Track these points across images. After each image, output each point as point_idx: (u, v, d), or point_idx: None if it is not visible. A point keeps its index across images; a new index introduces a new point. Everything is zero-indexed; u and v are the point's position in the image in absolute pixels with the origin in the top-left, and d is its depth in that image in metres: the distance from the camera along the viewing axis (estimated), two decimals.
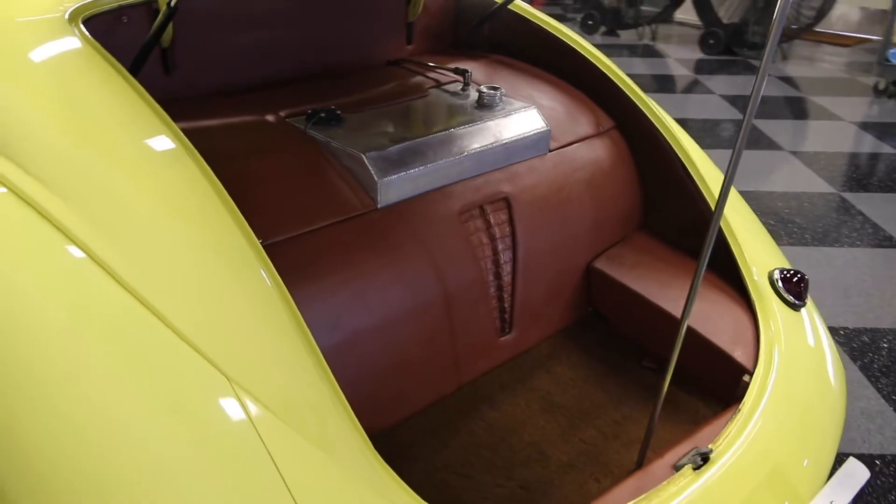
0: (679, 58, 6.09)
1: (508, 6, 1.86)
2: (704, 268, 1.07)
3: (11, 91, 1.16)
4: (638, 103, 1.68)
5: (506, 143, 1.49)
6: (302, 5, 1.69)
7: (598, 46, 1.98)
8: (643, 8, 6.50)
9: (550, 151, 1.60)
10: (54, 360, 0.95)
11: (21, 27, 1.26)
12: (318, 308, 1.19)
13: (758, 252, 1.60)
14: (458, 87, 1.66)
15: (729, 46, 6.10)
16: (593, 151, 1.68)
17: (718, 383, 1.46)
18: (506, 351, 1.52)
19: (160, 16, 1.22)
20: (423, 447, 1.33)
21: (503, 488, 1.28)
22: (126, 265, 0.99)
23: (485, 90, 1.58)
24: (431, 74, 1.76)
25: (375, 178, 1.29)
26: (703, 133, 4.30)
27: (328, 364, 1.12)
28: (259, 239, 1.14)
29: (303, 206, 1.25)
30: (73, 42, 1.20)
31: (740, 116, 4.56)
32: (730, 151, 3.72)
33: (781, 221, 3.19)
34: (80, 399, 0.93)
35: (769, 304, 1.50)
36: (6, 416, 0.96)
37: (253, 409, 0.93)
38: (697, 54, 6.20)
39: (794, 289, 1.54)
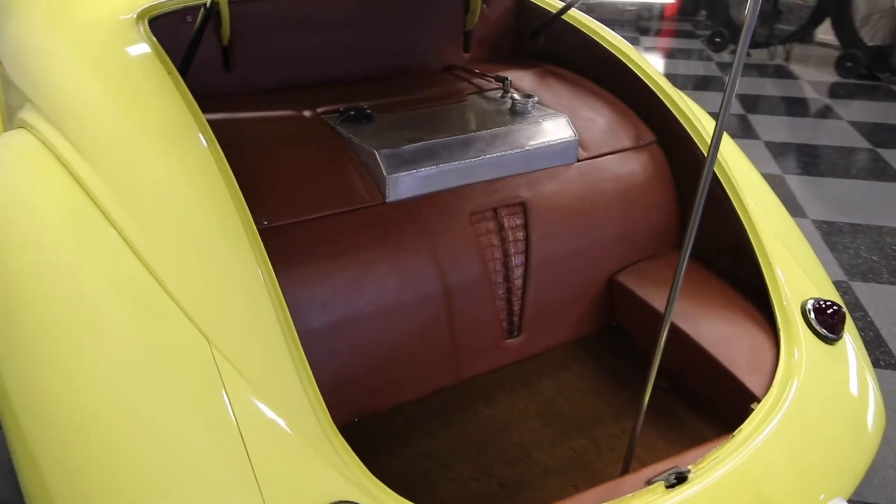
0: (812, 80, 5.75)
1: (564, 17, 1.88)
2: (686, 258, 1.06)
3: (72, 74, 1.33)
4: (681, 119, 1.66)
5: (527, 149, 1.52)
6: (362, 11, 1.80)
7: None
8: (778, 26, 6.19)
9: (579, 161, 1.61)
10: (66, 304, 1.09)
11: (95, 23, 1.44)
12: (315, 288, 1.28)
13: (798, 280, 1.53)
14: (497, 94, 1.71)
15: (871, 70, 5.68)
16: (627, 164, 1.66)
17: (728, 408, 1.42)
18: (512, 353, 1.54)
19: (199, 17, 1.36)
20: (411, 433, 1.39)
21: (480, 483, 1.31)
22: (137, 231, 1.12)
23: (517, 98, 1.62)
24: (476, 81, 1.81)
25: (385, 174, 1.37)
26: (829, 161, 4.06)
27: (319, 341, 1.21)
28: (266, 221, 1.25)
29: (315, 194, 1.35)
30: (132, 38, 1.37)
31: (869, 146, 4.26)
32: (846, 181, 3.49)
33: (885, 258, 2.96)
34: (82, 338, 1.06)
35: (795, 334, 1.43)
36: (30, 346, 1.10)
37: (225, 370, 1.03)
38: (833, 77, 5.82)
39: (827, 321, 1.46)
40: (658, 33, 7.74)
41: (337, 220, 1.33)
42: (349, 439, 1.36)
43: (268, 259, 1.10)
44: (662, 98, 1.69)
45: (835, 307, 1.48)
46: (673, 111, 1.67)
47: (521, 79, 1.82)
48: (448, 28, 1.94)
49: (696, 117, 1.69)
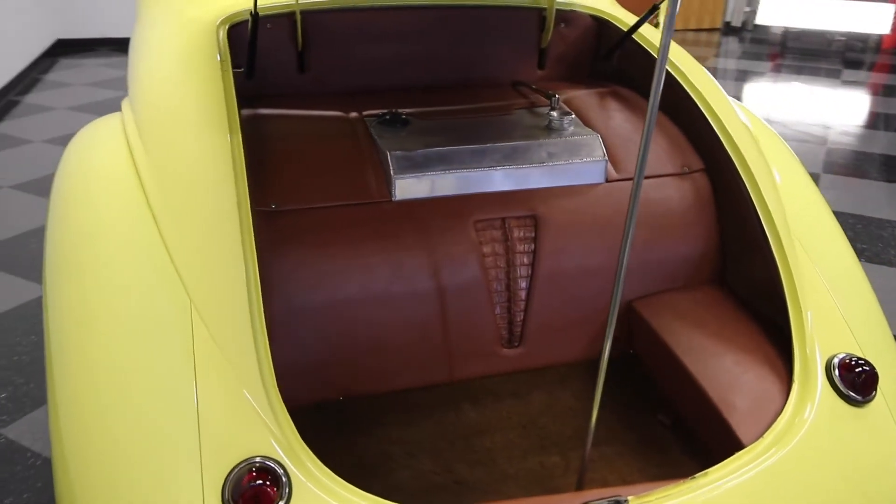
0: None
1: (636, 38, 1.86)
2: (626, 257, 1.06)
3: (150, 67, 1.58)
4: (729, 150, 1.58)
5: (546, 165, 1.54)
6: (436, 25, 1.91)
7: None
8: None
9: (608, 182, 1.60)
10: (93, 253, 1.30)
11: (185, 25, 1.68)
12: (311, 269, 1.41)
13: (835, 331, 1.41)
14: (544, 110, 1.74)
15: None
16: (664, 190, 1.62)
17: (716, 452, 1.35)
18: (511, 362, 1.56)
19: (250, 24, 1.54)
20: (388, 419, 1.47)
21: (438, 476, 1.36)
22: (160, 201, 1.32)
23: (554, 115, 1.64)
24: (533, 97, 1.85)
25: (392, 175, 1.47)
26: None
27: (310, 318, 1.35)
28: (274, 204, 1.41)
29: (328, 186, 1.47)
30: (206, 40, 1.58)
31: None
32: None
33: None
34: (98, 277, 1.26)
35: (811, 388, 1.33)
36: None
37: (198, 327, 1.18)
38: None
39: (852, 379, 1.34)
40: (871, 67, 7.08)
41: (342, 211, 1.45)
42: (329, 414, 1.48)
43: (253, 240, 1.24)
44: (714, 125, 1.63)
45: (864, 367, 1.34)
46: (722, 139, 1.60)
47: (579, 98, 1.83)
48: (523, 45, 1.99)
49: (752, 149, 1.61)
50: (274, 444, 1.11)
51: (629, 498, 1.13)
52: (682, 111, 1.73)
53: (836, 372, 1.33)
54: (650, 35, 1.88)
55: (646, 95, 1.87)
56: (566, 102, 1.82)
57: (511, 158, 1.54)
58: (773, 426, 1.27)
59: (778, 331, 1.46)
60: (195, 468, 1.07)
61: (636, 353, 1.62)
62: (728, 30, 8.61)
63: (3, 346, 2.44)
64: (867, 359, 1.36)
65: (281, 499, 1.05)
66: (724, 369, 1.41)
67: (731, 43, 8.08)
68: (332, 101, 1.80)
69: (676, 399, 1.48)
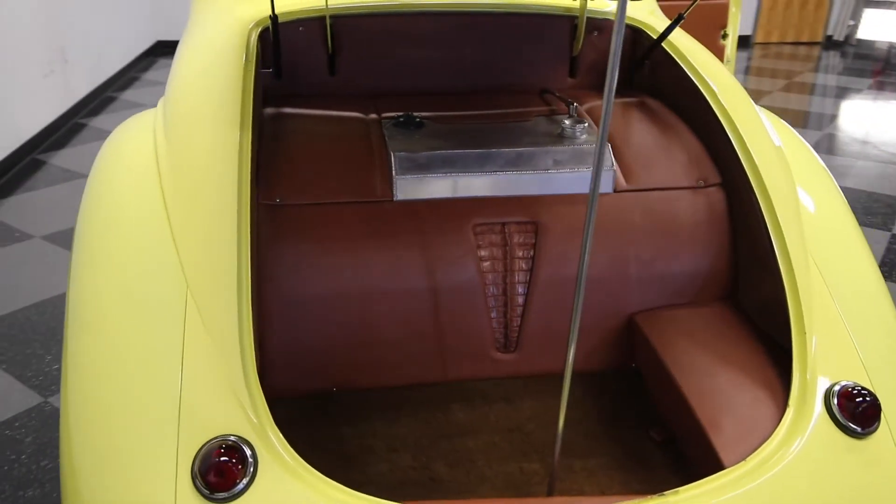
0: None
1: (666, 48, 1.83)
2: (585, 267, 1.06)
3: (183, 64, 1.67)
4: (745, 165, 1.53)
5: (548, 172, 1.54)
6: (466, 31, 1.93)
7: None
8: None
9: (617, 192, 1.58)
10: (108, 229, 1.39)
11: (222, 26, 1.78)
12: (309, 262, 1.46)
13: (841, 357, 1.35)
14: (562, 118, 1.73)
15: None
16: (677, 204, 1.59)
17: (702, 472, 1.31)
18: (505, 367, 1.57)
19: (271, 27, 1.62)
20: (375, 413, 1.50)
21: (415, 472, 1.39)
22: (172, 190, 1.40)
23: (567, 122, 1.63)
24: (555, 105, 1.84)
25: (394, 175, 1.50)
26: None
27: (306, 309, 1.40)
28: (279, 199, 1.47)
29: (333, 183, 1.52)
30: (238, 41, 1.67)
31: None
32: None
33: None
34: (109, 246, 1.35)
35: (806, 415, 1.28)
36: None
37: (191, 310, 1.26)
38: None
39: (852, 409, 1.28)
40: None
41: (344, 208, 1.50)
42: (321, 404, 1.53)
43: (250, 231, 1.31)
44: (733, 139, 1.58)
45: (868, 397, 1.28)
46: (739, 154, 1.55)
47: (601, 108, 1.81)
48: (554, 53, 1.99)
49: (771, 165, 1.55)
50: (247, 425, 1.16)
51: None
52: (705, 123, 1.68)
53: (835, 400, 1.27)
54: (687, 47, 1.84)
55: (673, 107, 1.83)
56: (589, 111, 1.81)
57: (515, 164, 1.54)
58: (759, 450, 1.23)
59: (783, 354, 1.41)
60: (172, 441, 1.14)
61: (637, 368, 1.59)
62: (829, 44, 8.21)
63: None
64: (872, 389, 1.29)
65: (245, 476, 1.10)
66: (716, 389, 1.37)
67: (832, 58, 7.70)
68: (358, 102, 1.85)
69: (669, 416, 1.45)
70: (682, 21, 1.76)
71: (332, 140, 1.64)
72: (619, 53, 0.90)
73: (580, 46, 1.95)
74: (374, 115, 1.76)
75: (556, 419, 1.52)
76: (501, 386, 1.57)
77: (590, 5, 1.96)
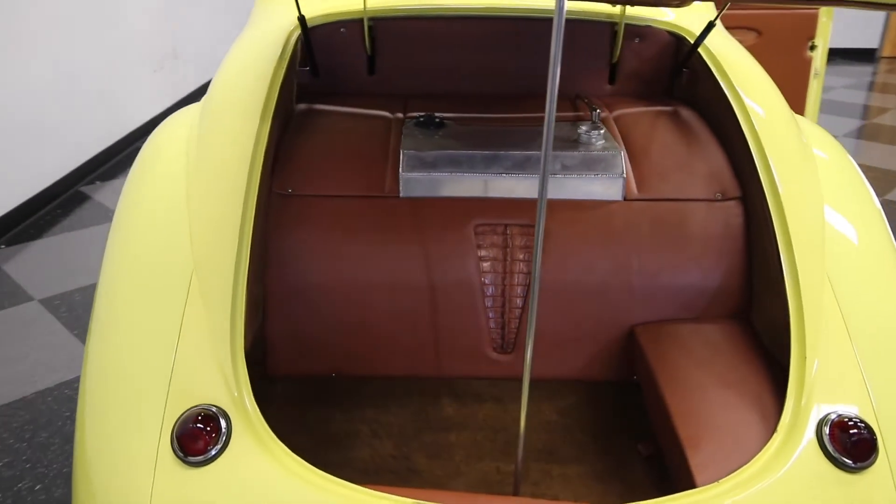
0: None
1: (704, 58, 1.78)
2: (538, 271, 1.07)
3: (227, 60, 1.79)
4: (763, 180, 1.48)
5: (556, 177, 1.54)
6: (503, 35, 1.96)
7: None
8: None
9: (627, 200, 1.56)
10: (133, 218, 1.52)
11: (268, 26, 1.88)
12: (312, 251, 1.53)
13: (844, 385, 1.29)
14: (582, 124, 1.72)
15: None
16: (691, 216, 1.55)
17: (677, 488, 1.29)
18: (501, 368, 1.58)
19: (300, 27, 1.70)
20: (367, 400, 1.55)
21: (395, 460, 1.43)
22: (195, 176, 1.51)
23: (582, 129, 1.63)
24: (585, 111, 1.83)
25: (401, 171, 1.55)
26: None
27: (307, 296, 1.48)
28: (290, 189, 1.56)
29: (344, 177, 1.59)
30: (277, 41, 1.77)
31: None
32: None
33: None
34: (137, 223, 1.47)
35: (793, 443, 1.23)
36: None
37: (193, 288, 1.36)
38: None
39: (844, 441, 1.22)
40: None
41: (351, 202, 1.56)
42: (317, 387, 1.59)
43: (253, 219, 1.39)
44: (755, 152, 1.52)
45: (864, 430, 1.21)
46: (759, 168, 1.50)
47: (633, 115, 1.79)
48: (594, 60, 1.97)
49: (794, 180, 1.48)
50: (227, 398, 1.24)
51: None
52: (731, 135, 1.63)
53: (828, 429, 1.21)
54: (727, 55, 1.78)
55: (706, 117, 1.78)
56: (618, 119, 1.79)
57: (522, 167, 1.55)
58: (736, 473, 1.19)
59: (785, 378, 1.35)
60: (161, 404, 1.24)
61: (638, 381, 1.56)
62: None
63: None
64: (875, 423, 1.22)
65: (216, 444, 1.18)
66: (704, 407, 1.33)
67: None
68: (391, 102, 1.91)
69: (657, 431, 1.42)
70: (713, 27, 1.71)
71: (352, 136, 1.70)
72: (560, 56, 0.91)
73: (618, 53, 1.93)
74: (399, 115, 1.81)
75: (543, 424, 1.52)
76: (496, 386, 1.59)
77: (631, 12, 1.94)
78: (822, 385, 1.27)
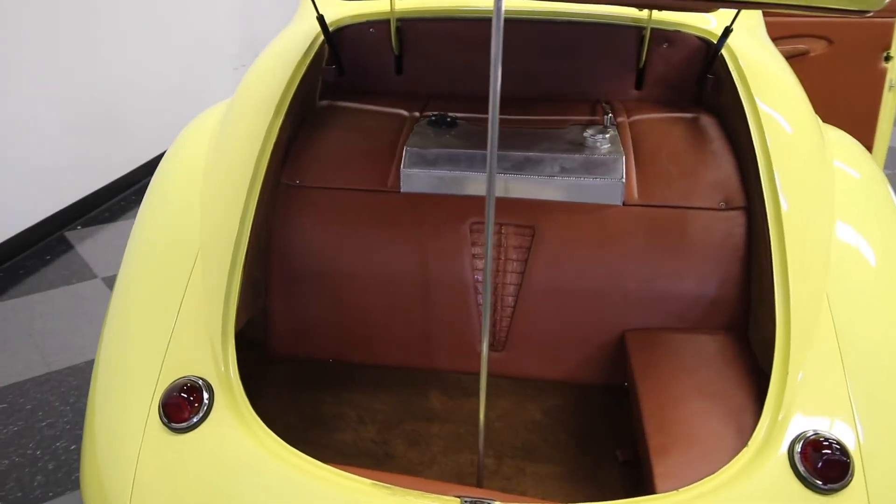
0: None
1: (729, 65, 1.74)
2: (489, 274, 1.09)
3: (261, 59, 1.88)
4: (766, 192, 1.44)
5: (553, 179, 1.55)
6: (533, 39, 1.97)
7: None
8: None
9: (626, 205, 1.55)
10: (156, 204, 1.63)
11: (303, 26, 1.97)
12: (313, 240, 1.60)
13: (827, 407, 1.25)
14: (589, 127, 1.71)
15: None
16: (690, 224, 1.52)
17: (645, 493, 1.28)
18: (491, 365, 1.59)
19: (320, 26, 1.77)
20: (358, 386, 1.60)
21: (374, 445, 1.47)
22: (211, 165, 1.61)
23: (589, 132, 1.62)
24: (600, 115, 1.82)
25: (402, 168, 1.60)
26: None
27: (305, 283, 1.56)
28: (298, 180, 1.63)
29: (351, 171, 1.64)
30: (305, 39, 1.86)
31: None
32: None
33: None
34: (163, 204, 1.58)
35: (763, 459, 1.20)
36: None
37: (196, 268, 1.45)
38: None
39: (817, 460, 1.18)
40: None
41: (354, 195, 1.62)
42: (313, 370, 1.66)
43: (254, 208, 1.46)
44: (762, 162, 1.49)
45: (838, 452, 1.17)
46: (763, 178, 1.46)
47: (650, 121, 1.77)
48: (621, 64, 1.96)
49: (799, 192, 1.44)
50: (213, 373, 1.32)
51: (497, 502, 1.14)
52: (744, 143, 1.59)
53: (800, 447, 1.18)
54: (753, 62, 1.74)
55: (726, 125, 1.74)
56: (634, 124, 1.77)
57: (520, 168, 1.57)
58: (698, 484, 1.17)
59: (764, 385, 1.32)
60: (156, 372, 1.33)
61: (626, 386, 1.55)
62: None
63: None
64: (856, 446, 1.18)
65: (196, 413, 1.26)
66: (678, 417, 1.31)
67: None
68: (413, 101, 1.95)
69: (635, 437, 1.41)
70: (730, 32, 1.67)
71: (364, 132, 1.76)
72: (500, 57, 0.93)
73: (644, 58, 1.91)
74: (416, 113, 1.86)
75: (526, 422, 1.53)
76: (487, 384, 1.60)
77: (659, 16, 1.91)
78: (804, 403, 1.23)
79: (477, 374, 1.62)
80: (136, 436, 1.27)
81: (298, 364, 1.66)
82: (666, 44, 1.92)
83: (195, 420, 1.26)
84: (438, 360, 1.61)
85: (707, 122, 1.76)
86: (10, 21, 3.09)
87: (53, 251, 3.27)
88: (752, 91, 1.61)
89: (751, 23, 2.05)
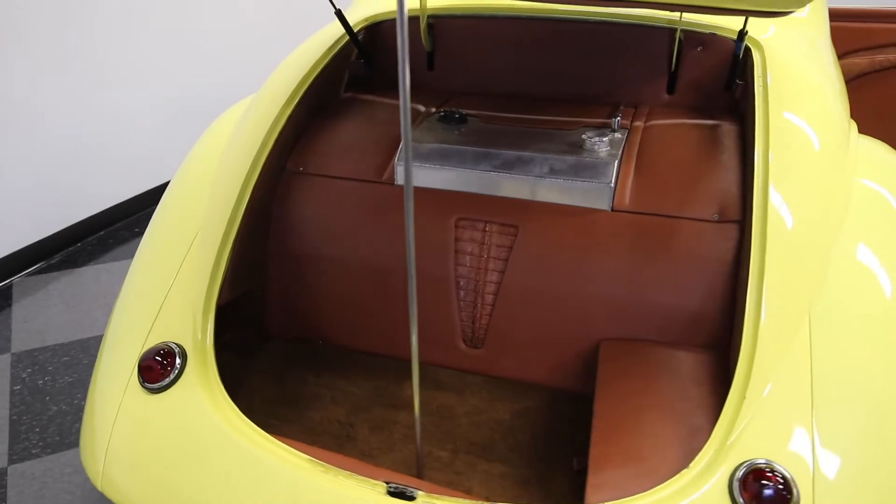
0: None
1: (756, 75, 1.65)
2: (413, 258, 1.11)
3: (292, 53, 1.98)
4: (755, 205, 1.36)
5: (539, 179, 1.53)
6: (564, 39, 1.95)
7: None
8: None
9: (615, 211, 1.50)
10: (175, 188, 1.76)
11: (337, 23, 2.05)
12: (309, 225, 1.66)
13: (782, 441, 1.17)
14: (589, 129, 1.67)
15: None
16: (678, 234, 1.46)
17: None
18: (470, 362, 1.60)
19: (364, 25, 1.84)
20: (339, 369, 1.65)
21: (339, 428, 1.52)
22: (227, 146, 1.72)
23: (586, 136, 1.59)
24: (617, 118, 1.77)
25: (395, 160, 1.63)
26: None
27: (299, 263, 1.65)
28: (301, 167, 1.71)
29: (351, 162, 1.69)
30: (333, 35, 1.93)
31: None
32: None
33: None
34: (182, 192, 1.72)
35: (700, 482, 1.15)
36: None
37: (191, 248, 1.55)
38: None
39: (756, 491, 1.12)
40: None
41: (352, 185, 1.66)
42: (302, 350, 1.73)
43: (251, 192, 1.55)
44: (759, 175, 1.40)
45: (780, 486, 1.10)
46: (756, 192, 1.38)
47: (666, 127, 1.70)
48: (652, 67, 1.89)
49: (793, 207, 1.35)
50: (190, 341, 1.41)
51: (419, 493, 1.16)
52: (750, 154, 1.50)
53: (741, 474, 1.12)
54: (781, 68, 1.64)
55: (744, 135, 1.64)
56: (648, 129, 1.71)
57: (509, 167, 1.55)
58: (627, 500, 1.14)
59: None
60: (144, 336, 1.45)
61: None
62: None
63: None
64: (805, 480, 1.11)
65: (167, 376, 1.36)
66: (627, 431, 1.27)
67: None
68: (435, 97, 1.97)
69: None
70: (745, 35, 1.57)
71: (375, 124, 1.80)
72: (406, 55, 0.95)
73: (675, 61, 1.84)
74: (433, 108, 1.88)
75: (492, 422, 1.53)
76: (460, 378, 1.61)
77: (693, 18, 1.83)
78: (758, 429, 1.17)
79: (457, 371, 1.63)
80: (119, 394, 1.39)
81: (290, 342, 1.73)
82: (700, 47, 1.84)
83: (166, 382, 1.36)
84: (420, 353, 1.63)
85: (727, 130, 1.67)
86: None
87: (143, 225, 3.56)
88: (772, 100, 1.52)
89: (804, 28, 1.92)
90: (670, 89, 1.90)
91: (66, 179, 3.26)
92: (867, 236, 1.40)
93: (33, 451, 2.03)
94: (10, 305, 2.79)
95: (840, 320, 1.27)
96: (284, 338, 1.74)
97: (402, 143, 1.04)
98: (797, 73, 1.63)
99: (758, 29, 1.78)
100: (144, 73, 3.59)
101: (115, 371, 1.43)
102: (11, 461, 2.00)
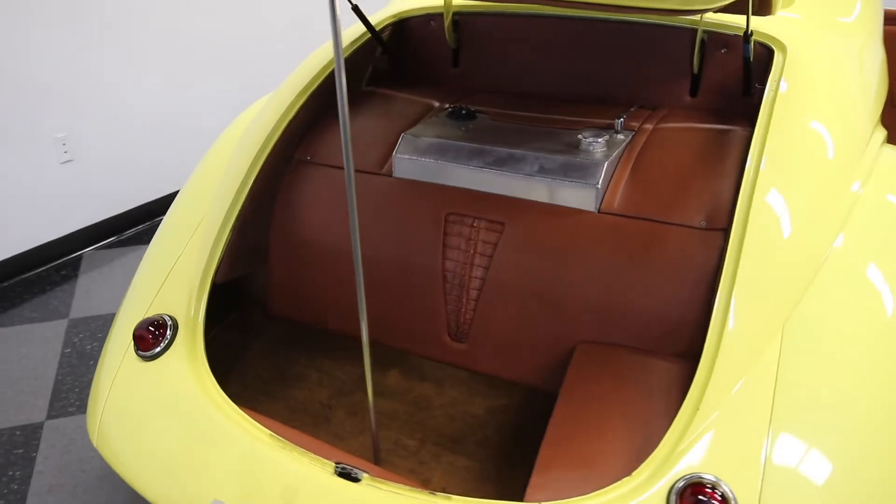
0: None
1: (773, 77, 1.58)
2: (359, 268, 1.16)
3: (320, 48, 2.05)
4: (737, 214, 1.32)
5: (527, 177, 1.52)
6: (588, 38, 1.92)
7: None
8: None
9: (601, 213, 1.48)
10: (193, 178, 1.87)
11: (372, 19, 2.10)
12: (309, 213, 1.72)
13: (731, 457, 1.14)
14: (587, 130, 1.64)
15: None
16: (663, 239, 1.42)
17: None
18: (453, 355, 1.61)
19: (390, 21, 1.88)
20: (329, 353, 1.70)
21: (318, 409, 1.57)
22: (242, 136, 1.81)
23: (582, 136, 1.57)
24: (626, 119, 1.74)
25: (394, 153, 1.66)
26: None
27: (295, 249, 1.73)
28: (308, 157, 1.78)
29: (358, 152, 1.74)
30: (356, 32, 1.99)
31: None
32: None
33: None
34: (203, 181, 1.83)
35: (638, 492, 1.14)
36: None
37: (196, 233, 1.65)
38: None
39: None
40: None
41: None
42: (300, 332, 1.80)
43: (255, 178, 1.63)
44: (745, 182, 1.35)
45: (717, 501, 1.07)
46: (740, 199, 1.33)
47: (677, 130, 1.65)
48: (675, 69, 1.83)
49: (778, 217, 1.30)
50: (183, 315, 1.50)
51: (364, 475, 1.20)
52: (744, 161, 1.44)
53: (681, 486, 1.10)
54: (798, 71, 1.56)
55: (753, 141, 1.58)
56: (655, 132, 1.67)
57: (502, 164, 1.55)
58: (564, 502, 1.14)
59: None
60: (146, 308, 1.55)
61: None
62: None
63: None
64: (750, 499, 1.07)
65: (157, 346, 1.45)
66: (579, 435, 1.26)
67: None
68: (451, 94, 1.99)
69: None
70: (751, 37, 1.50)
71: (385, 118, 1.84)
72: (342, 54, 0.98)
73: (697, 63, 1.78)
74: (448, 105, 1.90)
75: (465, 415, 1.55)
76: (443, 371, 1.63)
77: (717, 19, 1.77)
78: (709, 442, 1.13)
79: (442, 363, 1.65)
80: (118, 360, 1.50)
81: (290, 324, 1.80)
82: (724, 49, 1.77)
83: (157, 351, 1.45)
84: (406, 343, 1.66)
85: (738, 136, 1.60)
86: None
87: None
88: (778, 107, 1.46)
89: (848, 32, 1.82)
90: (693, 92, 1.84)
91: (142, 159, 3.48)
92: (865, 250, 1.32)
93: (69, 410, 2.20)
94: (76, 276, 3.02)
95: (816, 339, 1.21)
96: (285, 321, 1.81)
97: (343, 141, 1.07)
98: (818, 79, 1.55)
99: (789, 32, 1.70)
100: (220, 56, 3.79)
101: (119, 339, 1.54)
102: (49, 416, 2.17)
